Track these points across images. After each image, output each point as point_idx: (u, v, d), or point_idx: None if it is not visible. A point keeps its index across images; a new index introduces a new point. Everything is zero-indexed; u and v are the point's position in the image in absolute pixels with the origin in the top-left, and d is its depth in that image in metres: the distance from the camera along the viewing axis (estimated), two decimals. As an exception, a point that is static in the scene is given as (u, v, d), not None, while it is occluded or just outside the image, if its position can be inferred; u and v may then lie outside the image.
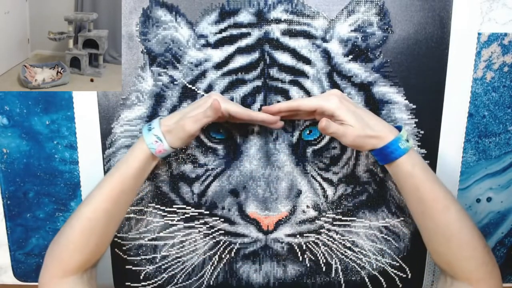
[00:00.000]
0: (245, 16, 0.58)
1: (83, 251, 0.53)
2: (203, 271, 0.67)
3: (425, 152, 0.63)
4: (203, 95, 0.59)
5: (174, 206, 0.64)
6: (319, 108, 0.54)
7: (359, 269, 0.67)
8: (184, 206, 0.64)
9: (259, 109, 0.59)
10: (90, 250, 0.53)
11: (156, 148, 0.54)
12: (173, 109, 0.60)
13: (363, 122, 0.52)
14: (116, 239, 0.66)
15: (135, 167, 0.54)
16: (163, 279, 0.68)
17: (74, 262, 0.52)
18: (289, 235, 0.64)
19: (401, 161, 0.52)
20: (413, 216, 0.55)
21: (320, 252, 0.66)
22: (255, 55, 0.59)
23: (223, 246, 0.66)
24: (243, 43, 0.58)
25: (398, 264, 0.67)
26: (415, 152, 0.53)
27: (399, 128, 0.54)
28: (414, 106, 0.61)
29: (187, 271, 0.67)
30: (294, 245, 0.65)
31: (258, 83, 0.59)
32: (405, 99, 0.61)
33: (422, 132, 0.62)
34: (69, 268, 0.52)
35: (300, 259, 0.66)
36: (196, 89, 0.60)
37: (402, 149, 0.51)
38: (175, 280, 0.68)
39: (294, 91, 0.59)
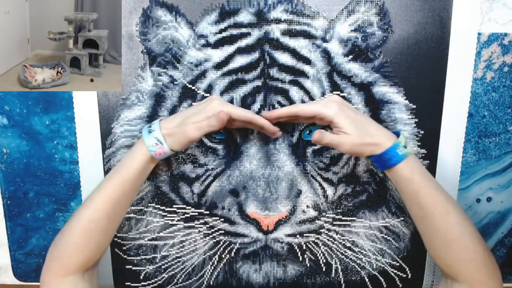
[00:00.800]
0: (245, 16, 0.58)
1: (84, 252, 0.53)
2: (203, 271, 0.67)
3: (425, 152, 0.63)
4: (203, 95, 0.59)
5: (174, 206, 0.64)
6: (318, 114, 0.54)
7: (359, 269, 0.67)
8: (184, 206, 0.64)
9: (259, 109, 0.60)
10: (91, 251, 0.54)
11: (156, 150, 0.54)
12: (173, 109, 0.60)
13: (361, 130, 0.53)
14: (116, 239, 0.66)
15: (135, 169, 0.54)
16: (163, 279, 0.68)
17: (75, 262, 0.52)
18: (289, 235, 0.64)
19: (399, 167, 0.52)
20: (414, 220, 0.55)
21: (320, 252, 0.66)
22: (255, 55, 0.59)
23: (223, 246, 0.66)
24: (243, 43, 0.58)
25: (398, 264, 0.67)
26: (414, 157, 0.53)
27: (397, 134, 0.54)
28: (414, 106, 0.61)
29: (187, 271, 0.67)
30: (294, 245, 0.65)
31: (258, 83, 0.59)
32: (405, 99, 0.61)
33: (422, 132, 0.62)
34: (70, 267, 0.52)
35: (300, 259, 0.66)
36: (196, 89, 0.60)
37: (400, 155, 0.52)
38: (175, 280, 0.68)
39: (294, 91, 0.59)
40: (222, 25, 0.58)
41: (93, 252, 0.54)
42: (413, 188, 0.52)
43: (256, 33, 0.58)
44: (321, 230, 0.65)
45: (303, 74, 0.59)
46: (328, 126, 0.58)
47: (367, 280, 0.68)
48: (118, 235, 0.66)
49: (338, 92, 0.59)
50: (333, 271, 0.67)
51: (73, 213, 0.54)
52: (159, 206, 0.65)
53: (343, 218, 0.65)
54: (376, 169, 0.63)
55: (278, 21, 0.58)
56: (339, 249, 0.66)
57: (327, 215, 0.64)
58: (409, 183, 0.52)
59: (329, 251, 0.66)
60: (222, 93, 0.59)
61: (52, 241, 0.54)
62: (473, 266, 0.50)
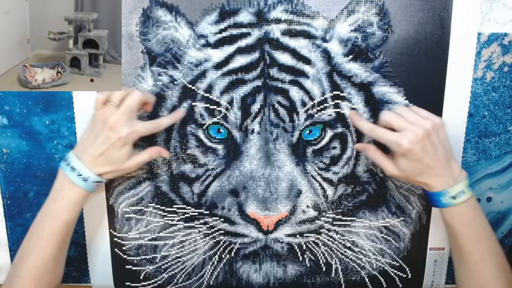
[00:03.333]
0: (245, 16, 0.58)
1: None
2: (203, 271, 0.67)
3: (425, 152, 0.63)
4: (203, 95, 0.59)
5: (174, 206, 0.64)
6: (391, 143, 0.53)
7: (359, 269, 0.67)
8: (184, 206, 0.64)
9: (259, 109, 0.60)
10: None
11: (96, 188, 0.56)
12: (173, 109, 0.60)
13: (417, 169, 0.53)
14: (116, 239, 0.66)
15: (78, 211, 0.55)
16: (163, 279, 0.68)
17: None
18: (289, 235, 0.64)
19: (442, 211, 0.55)
20: (452, 254, 0.59)
21: (320, 252, 0.66)
22: (255, 55, 0.59)
23: (223, 246, 0.66)
24: (243, 43, 0.58)
25: (398, 264, 0.67)
26: (463, 207, 0.53)
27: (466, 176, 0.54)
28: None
29: (187, 271, 0.67)
30: (294, 245, 0.65)
31: (258, 83, 0.59)
32: (405, 99, 0.60)
33: (422, 132, 0.62)
34: None
35: (300, 259, 0.66)
36: (196, 89, 0.60)
37: (443, 203, 0.53)
38: (175, 280, 0.68)
39: (294, 91, 0.59)
40: (222, 25, 0.58)
41: None
42: (452, 231, 0.55)
43: (256, 33, 0.58)
44: (321, 230, 0.65)
45: (303, 74, 0.59)
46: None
47: (367, 280, 0.68)
48: (118, 235, 0.66)
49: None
50: (333, 271, 0.67)
51: (15, 263, 0.55)
52: (159, 206, 0.65)
53: (343, 218, 0.65)
54: (376, 168, 0.63)
55: (278, 21, 0.58)
56: (339, 249, 0.66)
57: (327, 215, 0.64)
58: (449, 227, 0.55)
59: (329, 251, 0.66)
60: (222, 93, 0.59)
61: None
62: None
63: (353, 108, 0.60)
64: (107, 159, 0.54)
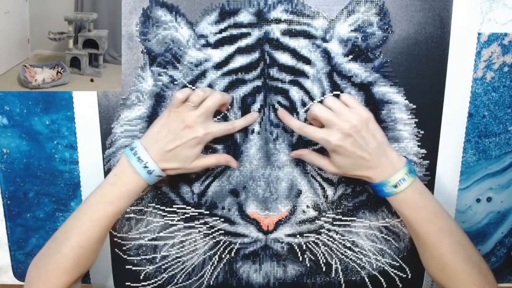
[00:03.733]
0: (245, 16, 0.58)
1: (73, 274, 0.54)
2: (203, 271, 0.67)
3: (425, 152, 0.63)
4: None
5: (174, 206, 0.64)
6: (320, 140, 0.53)
7: (359, 269, 0.67)
8: (184, 206, 0.64)
9: (259, 109, 0.60)
10: (79, 271, 0.55)
11: (156, 180, 0.56)
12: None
13: (354, 164, 0.53)
14: (116, 239, 0.66)
15: (132, 200, 0.56)
16: (163, 279, 0.68)
17: (62, 282, 0.53)
18: (289, 235, 0.64)
19: (389, 199, 0.55)
20: (413, 240, 0.59)
21: (320, 252, 0.66)
22: (255, 55, 0.59)
23: (223, 246, 0.66)
24: (243, 43, 0.58)
25: (398, 264, 0.67)
26: (407, 193, 0.53)
27: (406, 164, 0.54)
28: (414, 106, 0.61)
29: (187, 271, 0.67)
30: (294, 245, 0.65)
31: (258, 83, 0.59)
32: (405, 99, 0.61)
33: (422, 132, 0.62)
34: (56, 287, 0.53)
35: (300, 259, 0.66)
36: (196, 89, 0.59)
37: (386, 193, 0.54)
38: (175, 280, 0.68)
39: (294, 91, 0.59)
40: (222, 25, 0.58)
41: (81, 272, 0.55)
42: (404, 218, 0.56)
43: (256, 33, 0.58)
44: (321, 230, 0.65)
45: (303, 74, 0.59)
46: None
47: (367, 280, 0.68)
48: (118, 235, 0.66)
49: (338, 92, 0.59)
50: (333, 271, 0.67)
51: (60, 238, 0.55)
52: (159, 206, 0.65)
53: (343, 218, 0.65)
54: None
55: (278, 21, 0.58)
56: (339, 249, 0.66)
57: (327, 215, 0.64)
58: (400, 214, 0.56)
59: (329, 251, 0.66)
60: (222, 93, 0.59)
61: (33, 263, 0.55)
62: (467, 286, 0.52)
63: (283, 107, 0.60)
64: (176, 156, 0.54)
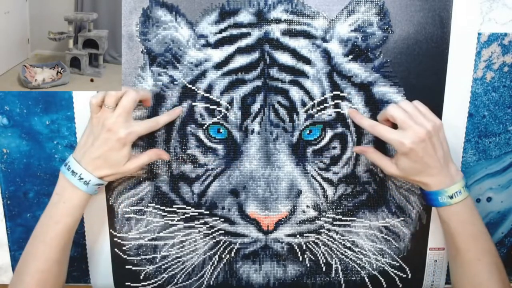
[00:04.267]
0: (245, 16, 0.58)
1: None
2: (203, 271, 0.67)
3: (425, 152, 0.63)
4: (203, 95, 0.59)
5: (174, 206, 0.64)
6: (393, 141, 0.53)
7: (359, 269, 0.67)
8: (184, 206, 0.64)
9: (259, 109, 0.60)
10: None
11: (98, 190, 0.56)
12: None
13: (417, 169, 0.53)
14: (116, 239, 0.66)
15: (80, 214, 0.56)
16: (163, 279, 0.68)
17: None
18: (289, 235, 0.64)
19: (438, 209, 0.56)
20: (448, 253, 0.60)
21: (320, 252, 0.66)
22: (255, 55, 0.59)
23: (223, 246, 0.66)
24: (243, 43, 0.58)
25: (398, 264, 0.67)
26: (459, 206, 0.54)
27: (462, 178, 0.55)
28: (414, 106, 0.61)
29: (187, 271, 0.67)
30: (294, 245, 0.65)
31: (258, 83, 0.59)
32: (405, 99, 0.60)
33: (422, 132, 0.62)
34: None
35: (300, 259, 0.66)
36: (196, 89, 0.60)
37: (440, 202, 0.54)
38: (175, 280, 0.68)
39: (294, 91, 0.59)
40: (222, 25, 0.58)
41: None
42: (448, 230, 0.56)
43: (256, 33, 0.58)
44: (321, 230, 0.65)
45: (303, 74, 0.59)
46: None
47: (367, 280, 0.68)
48: (118, 235, 0.66)
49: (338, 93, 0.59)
50: (333, 271, 0.67)
51: (18, 268, 0.55)
52: (159, 206, 0.65)
53: (343, 218, 0.65)
54: (376, 168, 0.63)
55: (278, 21, 0.58)
56: (339, 249, 0.66)
57: (327, 215, 0.64)
58: (446, 226, 0.56)
59: (329, 251, 0.66)
60: (222, 93, 0.59)
61: None
62: None
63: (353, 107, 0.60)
64: (106, 162, 0.54)
